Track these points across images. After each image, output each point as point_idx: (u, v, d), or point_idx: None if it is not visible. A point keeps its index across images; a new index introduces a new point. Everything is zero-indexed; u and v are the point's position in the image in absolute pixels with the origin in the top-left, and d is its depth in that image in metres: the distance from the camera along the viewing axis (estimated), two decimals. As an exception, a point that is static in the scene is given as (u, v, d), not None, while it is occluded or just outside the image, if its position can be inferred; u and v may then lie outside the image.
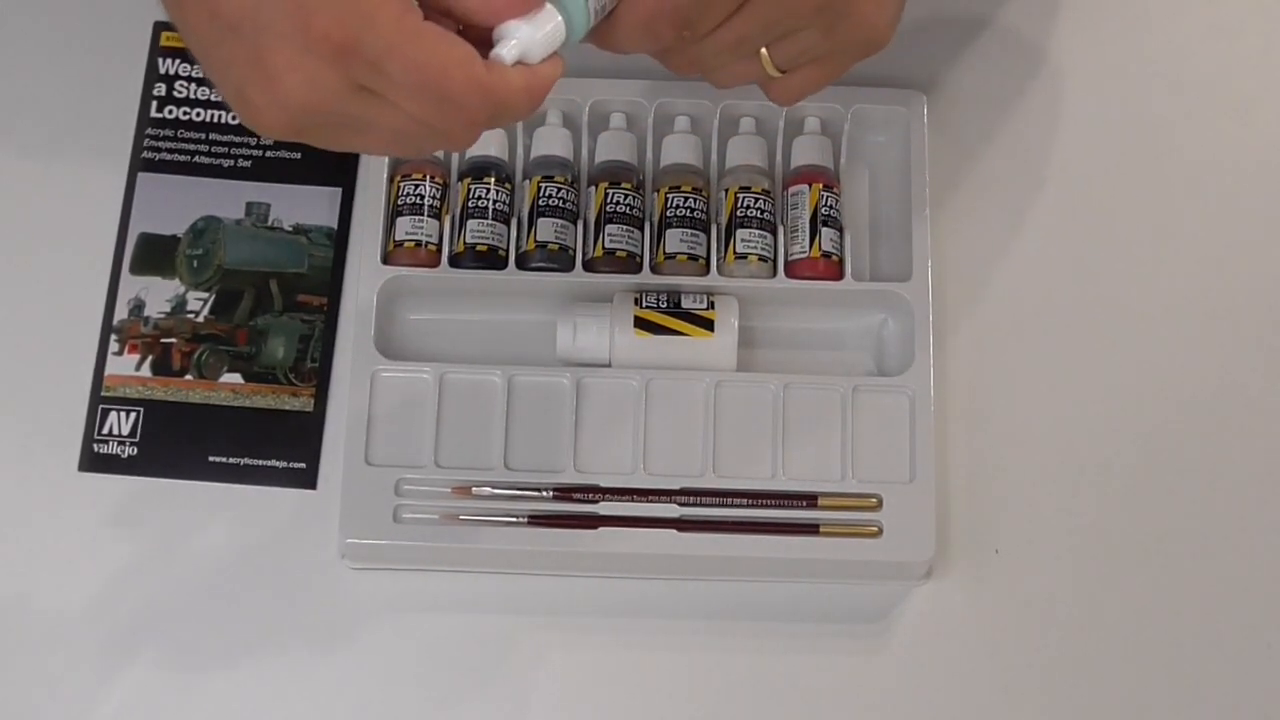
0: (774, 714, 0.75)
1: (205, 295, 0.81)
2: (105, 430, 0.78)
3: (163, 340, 0.80)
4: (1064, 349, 0.81)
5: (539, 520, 0.75)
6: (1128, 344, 0.81)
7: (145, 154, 0.83)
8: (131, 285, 0.81)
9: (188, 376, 0.79)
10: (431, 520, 0.75)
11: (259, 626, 0.76)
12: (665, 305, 0.78)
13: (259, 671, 0.75)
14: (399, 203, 0.79)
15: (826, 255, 0.79)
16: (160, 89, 0.84)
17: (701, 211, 0.80)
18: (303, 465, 0.78)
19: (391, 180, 0.80)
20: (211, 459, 0.78)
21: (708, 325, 0.78)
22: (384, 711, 0.75)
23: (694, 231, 0.80)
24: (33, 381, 0.79)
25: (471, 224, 0.79)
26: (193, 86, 0.84)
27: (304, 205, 0.82)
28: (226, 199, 0.82)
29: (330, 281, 0.81)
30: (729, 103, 0.81)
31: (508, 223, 0.80)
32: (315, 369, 0.80)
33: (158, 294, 0.80)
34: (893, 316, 0.80)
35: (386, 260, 0.79)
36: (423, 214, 0.79)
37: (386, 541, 0.75)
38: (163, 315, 0.80)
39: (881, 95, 0.82)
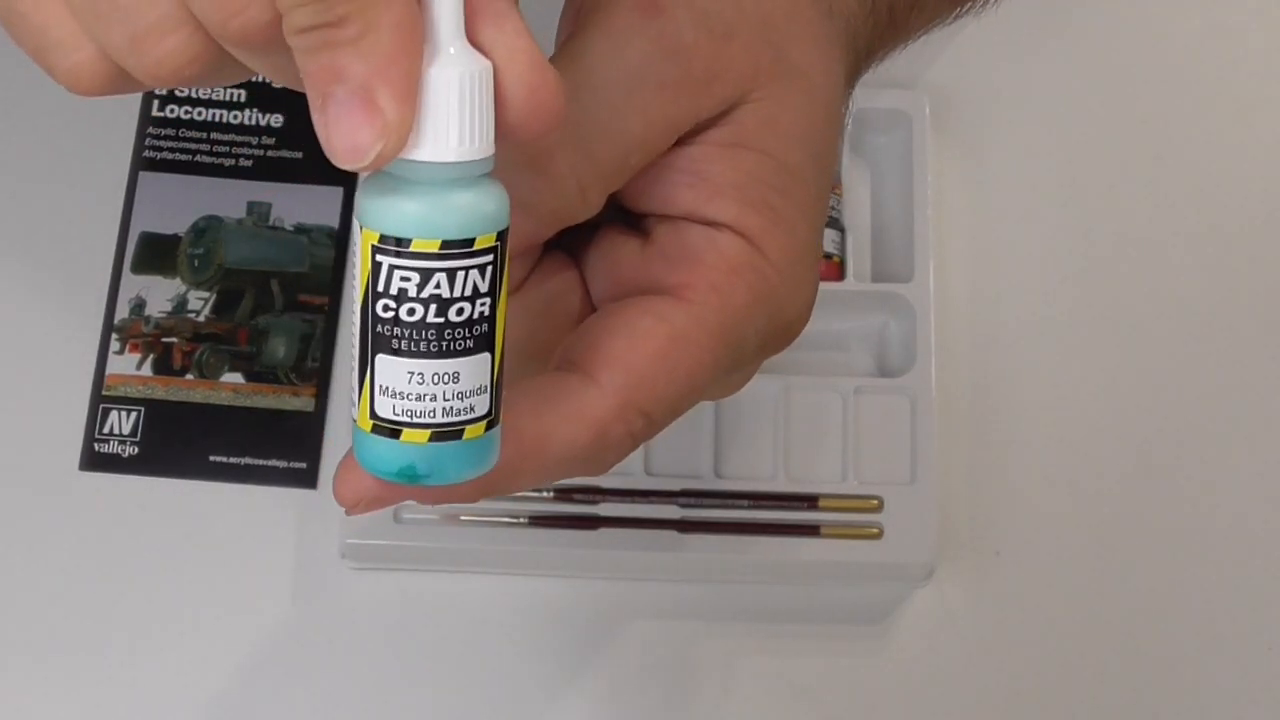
0: (774, 716, 0.75)
1: (206, 295, 0.80)
2: (106, 429, 0.78)
3: (164, 339, 0.80)
4: (1066, 351, 0.81)
5: (540, 521, 0.75)
6: (1129, 346, 0.81)
7: (146, 153, 0.83)
8: (132, 284, 0.81)
9: (189, 376, 0.79)
10: (432, 521, 0.75)
11: (259, 626, 0.76)
12: (667, 306, 0.78)
13: (259, 671, 0.75)
14: (400, 202, 0.79)
15: (828, 256, 0.79)
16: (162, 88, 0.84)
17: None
18: (304, 465, 0.78)
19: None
20: (212, 459, 0.78)
21: (709, 326, 0.78)
22: (384, 712, 0.75)
23: (696, 232, 0.80)
24: (33, 380, 0.79)
25: (472, 223, 0.79)
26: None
27: (305, 205, 0.82)
28: (228, 198, 0.82)
29: (331, 281, 0.81)
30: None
31: (509, 222, 0.80)
32: (316, 369, 0.80)
33: (159, 293, 0.80)
34: (894, 317, 0.80)
35: (387, 260, 0.79)
36: (423, 214, 0.79)
37: (387, 542, 0.75)
38: (164, 314, 0.80)
39: (882, 95, 0.82)
